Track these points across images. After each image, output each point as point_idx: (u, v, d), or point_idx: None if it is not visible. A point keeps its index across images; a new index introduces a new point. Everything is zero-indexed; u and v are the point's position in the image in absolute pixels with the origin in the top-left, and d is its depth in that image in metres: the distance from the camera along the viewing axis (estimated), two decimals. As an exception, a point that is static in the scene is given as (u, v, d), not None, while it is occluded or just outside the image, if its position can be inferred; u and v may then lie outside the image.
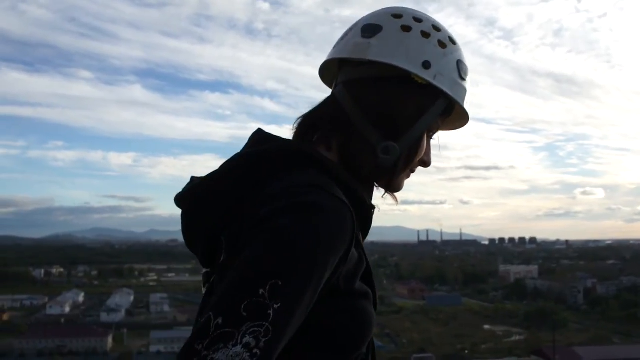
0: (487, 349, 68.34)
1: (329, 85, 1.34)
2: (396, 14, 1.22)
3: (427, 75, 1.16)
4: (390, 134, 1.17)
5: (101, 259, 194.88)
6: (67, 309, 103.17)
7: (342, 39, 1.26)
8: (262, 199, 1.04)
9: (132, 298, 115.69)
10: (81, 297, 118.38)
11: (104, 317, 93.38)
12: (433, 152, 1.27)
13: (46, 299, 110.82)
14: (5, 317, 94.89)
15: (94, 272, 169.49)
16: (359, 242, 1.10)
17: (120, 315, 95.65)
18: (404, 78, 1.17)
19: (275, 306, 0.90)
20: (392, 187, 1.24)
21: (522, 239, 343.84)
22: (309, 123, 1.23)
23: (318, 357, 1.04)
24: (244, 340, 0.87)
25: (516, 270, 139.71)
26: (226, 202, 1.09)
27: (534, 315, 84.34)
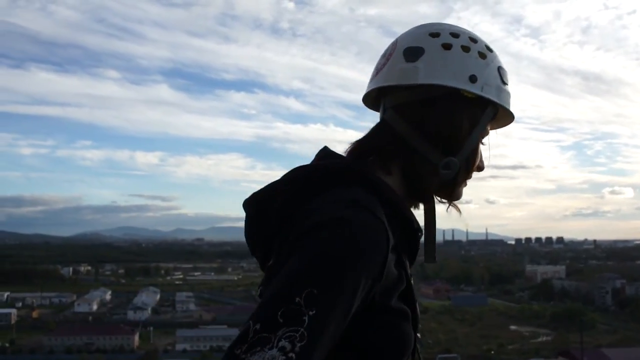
0: (513, 350, 67.85)
1: (373, 109, 1.39)
2: (433, 32, 1.26)
3: (474, 89, 1.22)
4: (449, 149, 1.22)
5: (128, 258, 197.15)
6: (95, 307, 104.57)
7: (383, 64, 1.28)
8: (308, 212, 1.08)
9: (158, 296, 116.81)
10: (108, 295, 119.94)
11: (131, 315, 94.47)
12: (485, 154, 1.32)
13: (74, 297, 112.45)
14: (35, 314, 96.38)
15: (121, 271, 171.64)
16: (402, 263, 1.13)
17: (146, 314, 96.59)
18: (453, 95, 1.21)
19: (311, 313, 0.93)
20: (454, 197, 1.30)
21: (549, 239, 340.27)
22: (365, 150, 1.25)
23: None
24: (280, 344, 0.90)
25: (543, 271, 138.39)
26: (282, 211, 1.14)
27: (561, 316, 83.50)
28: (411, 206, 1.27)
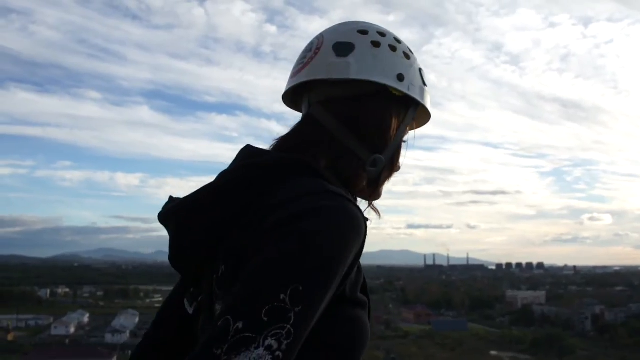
0: (493, 375, 67.64)
1: (291, 107, 1.39)
2: (362, 30, 1.26)
3: (402, 87, 1.23)
4: (375, 147, 1.22)
5: (107, 280, 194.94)
6: (72, 330, 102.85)
7: (310, 58, 1.26)
8: (273, 206, 1.04)
9: (137, 319, 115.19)
10: (86, 318, 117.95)
11: (109, 338, 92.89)
12: (402, 154, 1.32)
13: (51, 319, 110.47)
14: (10, 337, 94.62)
15: (100, 293, 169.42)
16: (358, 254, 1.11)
17: (125, 337, 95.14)
18: (381, 92, 1.22)
19: (296, 309, 0.90)
20: (376, 196, 1.28)
21: (529, 264, 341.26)
22: (292, 145, 1.23)
23: None
24: (266, 342, 0.87)
25: (523, 296, 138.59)
26: (227, 212, 1.08)
27: (541, 342, 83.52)
28: None
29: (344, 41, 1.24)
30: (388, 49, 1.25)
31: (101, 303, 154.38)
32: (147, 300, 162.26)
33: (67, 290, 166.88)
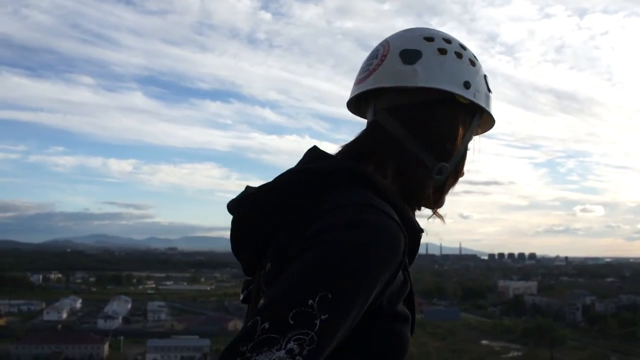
0: (484, 365, 68.05)
1: (354, 113, 1.38)
2: (428, 37, 1.26)
3: (468, 95, 1.22)
4: (442, 154, 1.22)
5: (99, 266, 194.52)
6: (64, 315, 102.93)
7: (376, 65, 1.26)
8: (317, 214, 1.06)
9: (129, 305, 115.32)
10: (78, 304, 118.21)
11: (101, 324, 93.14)
12: (468, 160, 1.32)
13: (43, 305, 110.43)
14: (2, 322, 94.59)
15: (92, 279, 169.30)
16: (406, 266, 1.11)
17: (117, 323, 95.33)
18: (448, 100, 1.22)
19: (323, 317, 0.91)
20: (440, 204, 1.29)
21: (521, 255, 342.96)
22: (358, 152, 1.23)
23: None
24: (288, 346, 0.88)
25: (515, 286, 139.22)
26: (279, 214, 1.11)
27: (532, 332, 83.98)
28: None
29: (411, 48, 1.24)
30: (454, 56, 1.24)
31: (93, 289, 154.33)
32: (140, 287, 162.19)
33: (60, 275, 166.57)
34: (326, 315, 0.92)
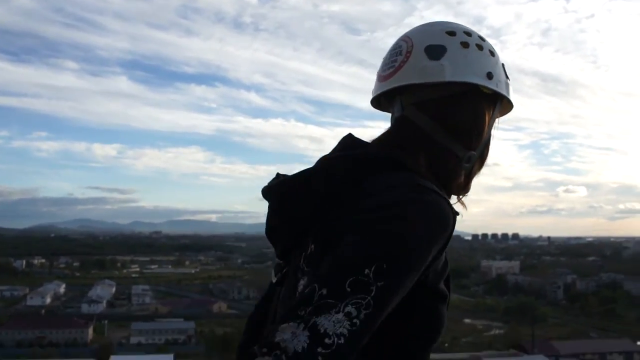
0: (466, 343, 68.85)
1: (377, 108, 1.42)
2: (450, 31, 1.29)
3: (492, 85, 1.27)
4: (470, 143, 1.28)
5: (84, 250, 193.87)
6: (48, 300, 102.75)
7: (402, 62, 1.28)
8: (367, 194, 1.10)
9: (113, 289, 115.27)
10: (62, 289, 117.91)
11: (85, 308, 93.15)
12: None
13: (27, 290, 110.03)
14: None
15: (76, 264, 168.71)
16: (445, 247, 1.14)
17: (101, 307, 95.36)
18: (472, 91, 1.26)
19: (379, 284, 0.96)
20: (467, 190, 1.34)
21: (504, 235, 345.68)
22: (390, 144, 1.25)
23: (389, 353, 1.10)
24: (346, 309, 0.93)
25: (498, 266, 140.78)
26: (319, 199, 1.14)
27: (513, 310, 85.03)
28: None
29: (435, 44, 1.26)
30: (476, 48, 1.28)
31: (77, 273, 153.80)
32: (124, 271, 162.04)
33: (43, 260, 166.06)
34: (382, 282, 0.96)
